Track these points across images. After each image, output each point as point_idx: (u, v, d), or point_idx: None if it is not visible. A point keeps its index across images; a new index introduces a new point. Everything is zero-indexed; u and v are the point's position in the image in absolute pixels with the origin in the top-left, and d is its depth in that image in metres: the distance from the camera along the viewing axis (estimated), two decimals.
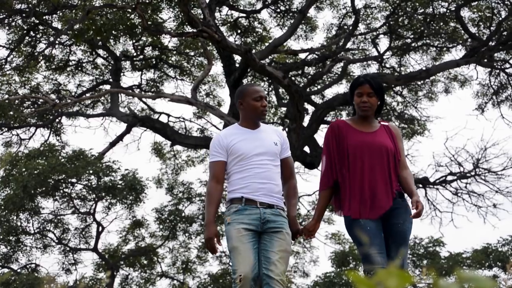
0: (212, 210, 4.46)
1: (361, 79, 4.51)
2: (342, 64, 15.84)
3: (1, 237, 15.60)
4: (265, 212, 4.42)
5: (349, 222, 4.36)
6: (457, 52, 16.19)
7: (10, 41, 14.98)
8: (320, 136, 15.48)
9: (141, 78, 17.27)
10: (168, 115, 16.91)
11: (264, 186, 4.46)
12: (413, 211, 4.24)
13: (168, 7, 14.91)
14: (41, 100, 14.93)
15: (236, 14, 16.41)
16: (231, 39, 15.72)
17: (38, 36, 15.32)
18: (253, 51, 13.01)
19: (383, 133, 4.51)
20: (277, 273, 4.30)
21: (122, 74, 16.66)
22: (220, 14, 16.27)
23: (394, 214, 4.36)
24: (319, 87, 16.90)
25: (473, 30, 14.80)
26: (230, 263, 4.42)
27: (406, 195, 4.48)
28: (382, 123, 4.59)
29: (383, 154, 4.40)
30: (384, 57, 15.84)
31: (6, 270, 16.33)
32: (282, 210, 4.55)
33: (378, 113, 4.59)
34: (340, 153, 4.43)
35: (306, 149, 14.87)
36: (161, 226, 18.34)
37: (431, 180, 16.32)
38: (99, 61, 16.97)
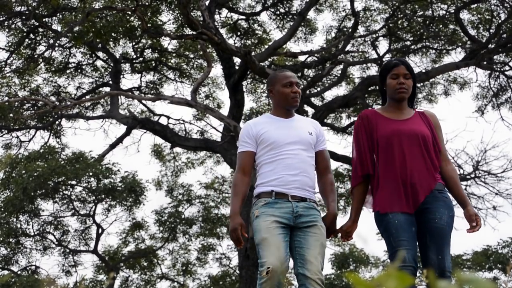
0: (237, 201, 4.09)
1: (394, 61, 4.18)
2: (341, 66, 15.85)
3: (1, 239, 15.61)
4: (297, 205, 4.05)
5: (377, 218, 4.02)
6: (457, 55, 16.23)
7: (10, 44, 14.99)
8: None
9: (140, 80, 17.28)
10: (168, 117, 16.90)
11: (297, 178, 4.09)
12: (468, 225, 3.92)
13: (167, 9, 14.92)
14: (41, 102, 14.94)
15: (235, 16, 16.43)
16: (230, 41, 15.74)
17: (38, 38, 15.33)
18: (253, 53, 13.02)
19: (418, 120, 4.15)
20: (314, 271, 3.89)
21: (121, 76, 16.66)
22: (220, 17, 16.29)
23: (430, 209, 3.95)
24: (318, 89, 16.91)
25: (472, 32, 14.81)
26: (258, 257, 3.96)
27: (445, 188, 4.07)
28: (417, 110, 4.23)
29: (418, 142, 4.02)
30: (384, 59, 15.84)
31: (6, 272, 16.33)
32: (315, 204, 4.18)
33: (411, 102, 4.24)
34: (370, 144, 4.10)
35: None
36: (161, 228, 18.36)
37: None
38: (99, 63, 16.98)
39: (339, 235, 4.25)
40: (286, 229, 4.00)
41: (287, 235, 4.00)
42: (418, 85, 16.08)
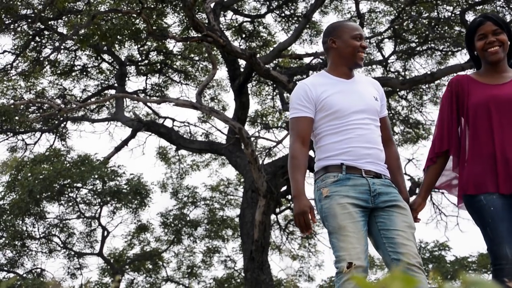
0: (301, 177, 3.44)
1: (478, 19, 3.54)
2: None
3: (7, 241, 15.63)
4: (374, 182, 3.44)
5: (467, 200, 3.46)
6: (462, 56, 16.20)
7: (15, 47, 15.02)
8: None
9: (146, 83, 17.30)
10: (173, 120, 16.92)
11: (370, 152, 3.48)
12: None
13: (173, 12, 14.94)
14: (46, 105, 14.97)
15: (240, 18, 16.44)
16: (235, 43, 15.73)
17: (43, 41, 15.37)
18: (258, 55, 13.02)
19: None
20: (411, 255, 3.32)
21: (127, 79, 16.69)
22: (225, 19, 16.30)
23: None
24: None
25: None
26: (332, 249, 3.37)
27: None
28: None
29: None
30: (389, 61, 15.82)
31: (11, 275, 16.35)
32: (391, 181, 3.57)
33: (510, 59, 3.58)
34: (459, 114, 3.49)
35: (311, 153, 14.86)
36: (166, 231, 18.36)
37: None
38: (104, 66, 17.01)
39: None
40: (365, 213, 3.41)
41: (366, 222, 3.41)
42: (424, 86, 16.06)
